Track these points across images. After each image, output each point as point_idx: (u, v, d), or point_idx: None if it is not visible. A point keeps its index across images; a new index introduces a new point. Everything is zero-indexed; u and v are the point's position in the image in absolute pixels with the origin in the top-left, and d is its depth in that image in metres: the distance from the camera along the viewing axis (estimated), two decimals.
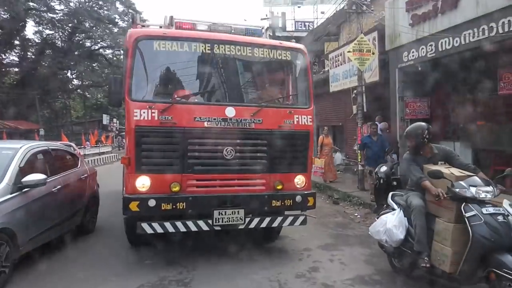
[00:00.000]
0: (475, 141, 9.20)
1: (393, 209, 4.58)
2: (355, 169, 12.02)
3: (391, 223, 4.39)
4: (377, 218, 4.78)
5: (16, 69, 38.28)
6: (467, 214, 3.73)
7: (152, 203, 4.57)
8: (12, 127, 30.88)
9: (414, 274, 4.53)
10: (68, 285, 4.54)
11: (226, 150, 4.84)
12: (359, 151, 10.55)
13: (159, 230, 4.68)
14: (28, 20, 34.86)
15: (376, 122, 10.99)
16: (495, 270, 3.51)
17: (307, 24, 25.13)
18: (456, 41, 8.14)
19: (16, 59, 37.20)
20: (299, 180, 5.27)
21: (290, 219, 5.22)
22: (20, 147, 5.27)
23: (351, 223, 7.81)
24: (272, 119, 5.11)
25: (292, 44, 5.73)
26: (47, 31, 37.65)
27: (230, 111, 4.90)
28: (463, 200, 3.84)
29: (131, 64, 4.76)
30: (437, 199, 4.03)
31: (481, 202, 3.81)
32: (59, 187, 5.63)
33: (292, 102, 5.66)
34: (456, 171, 4.20)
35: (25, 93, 33.99)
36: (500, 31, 7.05)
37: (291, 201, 5.12)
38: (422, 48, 9.28)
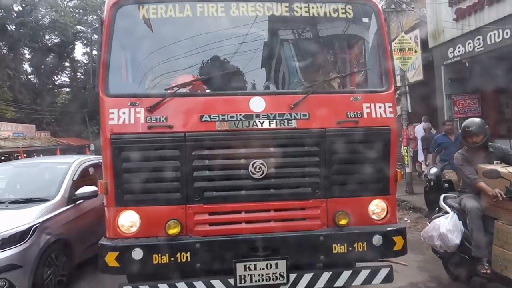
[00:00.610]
0: None
1: (446, 213, 4.35)
2: (402, 173, 11.62)
3: (445, 227, 4.15)
4: (429, 222, 4.56)
5: (67, 89, 40.81)
6: None
7: (137, 254, 3.03)
8: (65, 144, 32.79)
9: (473, 281, 4.26)
10: None
11: (253, 165, 3.15)
12: (406, 153, 10.15)
13: None
14: (76, 42, 37.17)
15: (423, 123, 10.61)
16: None
17: None
18: (507, 33, 7.72)
19: (67, 80, 39.72)
20: (377, 207, 3.37)
21: (364, 273, 3.27)
22: (73, 162, 5.57)
23: None
24: (326, 111, 3.32)
25: None
26: (94, 52, 39.88)
27: (257, 103, 3.22)
28: None
29: (108, 43, 3.24)
30: (495, 200, 3.78)
31: None
32: None
33: (359, 84, 3.94)
34: None
35: (76, 111, 36.08)
36: None
37: (364, 244, 3.23)
38: (469, 43, 8.87)
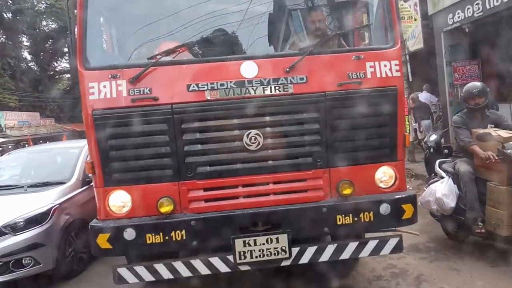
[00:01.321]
0: None
1: (442, 177, 4.53)
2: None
3: (441, 192, 4.33)
4: (426, 188, 4.75)
5: (68, 75, 40.77)
6: None
7: (130, 235, 2.92)
8: (69, 130, 33.11)
9: (469, 240, 4.50)
10: None
11: (248, 136, 2.97)
12: (408, 122, 10.27)
13: (148, 277, 3.02)
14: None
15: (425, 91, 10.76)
16: None
17: None
18: None
19: (67, 65, 39.61)
20: (384, 174, 3.17)
21: (372, 244, 3.14)
22: (84, 145, 5.77)
23: None
24: (325, 73, 3.06)
25: None
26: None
27: (249, 69, 2.99)
28: None
29: (83, 9, 3.05)
30: (487, 162, 3.95)
31: None
32: None
33: (362, 41, 3.72)
34: (504, 133, 4.10)
35: (77, 97, 36.20)
36: None
37: (371, 214, 3.06)
38: (468, 8, 8.81)
